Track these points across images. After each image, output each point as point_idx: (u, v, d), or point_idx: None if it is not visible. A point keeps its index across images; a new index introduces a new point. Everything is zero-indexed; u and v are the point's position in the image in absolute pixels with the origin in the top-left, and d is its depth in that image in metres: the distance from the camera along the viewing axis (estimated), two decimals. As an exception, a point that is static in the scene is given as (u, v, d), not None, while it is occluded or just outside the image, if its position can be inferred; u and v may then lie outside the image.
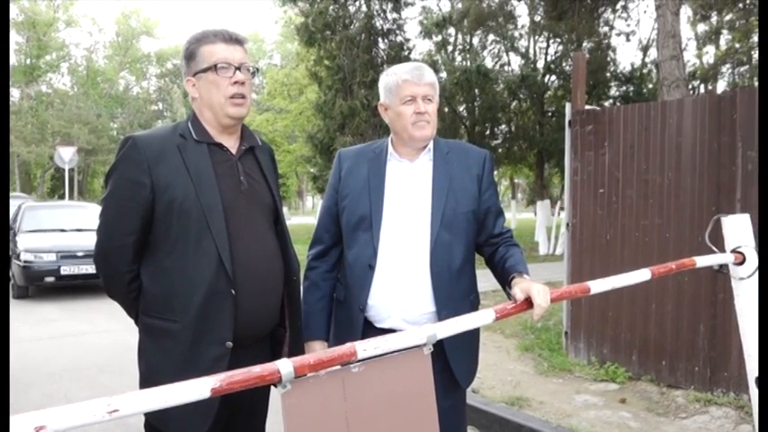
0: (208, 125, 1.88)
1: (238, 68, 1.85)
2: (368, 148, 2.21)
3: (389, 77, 2.09)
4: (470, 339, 2.12)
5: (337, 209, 2.13)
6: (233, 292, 1.79)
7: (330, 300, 2.15)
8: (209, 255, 1.77)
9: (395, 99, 2.05)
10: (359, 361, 1.29)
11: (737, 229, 2.40)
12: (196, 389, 1.05)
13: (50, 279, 9.04)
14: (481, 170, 2.13)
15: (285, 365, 1.16)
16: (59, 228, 9.95)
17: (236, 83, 1.84)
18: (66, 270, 9.07)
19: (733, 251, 2.38)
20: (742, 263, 2.35)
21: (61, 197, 30.69)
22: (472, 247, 2.12)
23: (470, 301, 2.11)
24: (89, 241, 9.99)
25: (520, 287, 1.74)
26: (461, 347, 2.06)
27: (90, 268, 9.29)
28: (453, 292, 2.03)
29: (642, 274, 2.08)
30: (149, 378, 1.84)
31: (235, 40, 1.88)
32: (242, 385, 1.10)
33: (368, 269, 2.01)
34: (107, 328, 6.78)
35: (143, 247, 1.84)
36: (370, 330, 1.99)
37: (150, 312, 1.84)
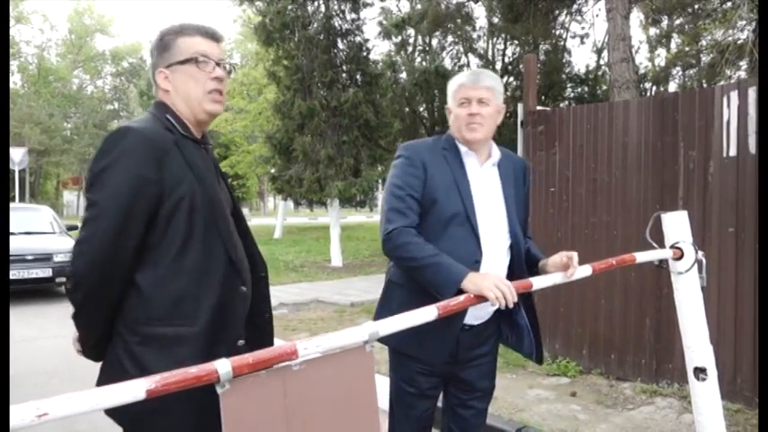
0: (184, 120, 1.80)
1: (218, 64, 1.79)
2: (435, 143, 2.25)
3: (451, 83, 2.26)
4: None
5: (422, 200, 2.12)
6: (243, 289, 1.78)
7: None
8: (219, 253, 1.72)
9: (453, 102, 2.21)
10: (300, 359, 1.31)
11: (676, 225, 2.49)
12: (130, 390, 1.05)
13: (-2, 284, 8.73)
14: (524, 178, 2.34)
15: (223, 365, 1.16)
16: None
17: (215, 78, 1.78)
18: (14, 274, 8.79)
19: (672, 247, 2.48)
20: (680, 258, 2.44)
21: (11, 200, 29.72)
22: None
23: (522, 296, 2.27)
24: (39, 244, 9.82)
25: (551, 261, 2.14)
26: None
27: (40, 272, 9.05)
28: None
29: (583, 270, 2.16)
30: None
31: (214, 36, 1.83)
32: (178, 386, 1.10)
33: (473, 264, 2.07)
34: (57, 333, 6.60)
35: (140, 250, 1.66)
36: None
37: (155, 321, 1.66)
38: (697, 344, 2.44)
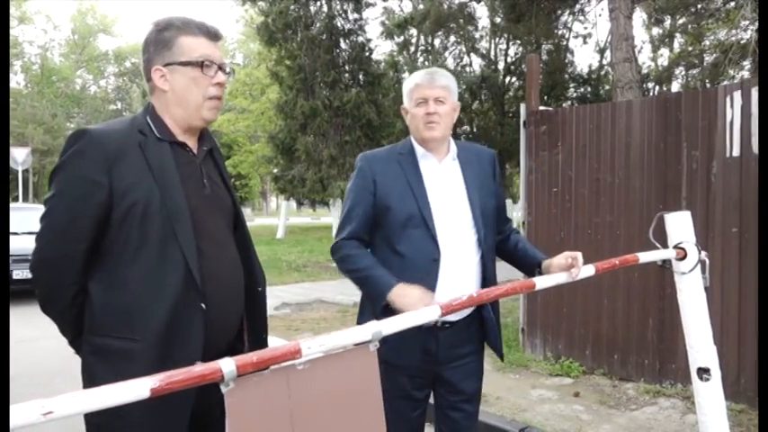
0: (172, 122, 1.72)
1: (220, 68, 1.71)
2: (392, 150, 2.32)
3: (406, 83, 2.27)
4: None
5: (374, 211, 2.19)
6: (203, 305, 1.63)
7: None
8: (176, 265, 1.60)
9: (410, 102, 2.23)
10: (304, 359, 1.31)
11: (679, 225, 2.48)
12: (134, 389, 1.05)
13: (2, 284, 8.75)
14: (493, 168, 2.33)
15: (227, 364, 1.16)
16: (12, 231, 9.65)
17: (217, 84, 1.71)
18: (18, 274, 8.83)
19: (675, 247, 2.47)
20: (683, 258, 2.44)
21: (15, 200, 29.80)
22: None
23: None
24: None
25: (555, 262, 2.13)
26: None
27: (44, 272, 9.07)
28: (491, 281, 2.22)
29: (586, 270, 2.16)
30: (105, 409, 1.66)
31: (216, 36, 1.75)
32: (182, 385, 1.10)
33: (432, 263, 2.10)
34: (59, 333, 6.60)
35: (93, 255, 1.63)
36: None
37: (102, 331, 1.62)
38: (700, 344, 2.43)
